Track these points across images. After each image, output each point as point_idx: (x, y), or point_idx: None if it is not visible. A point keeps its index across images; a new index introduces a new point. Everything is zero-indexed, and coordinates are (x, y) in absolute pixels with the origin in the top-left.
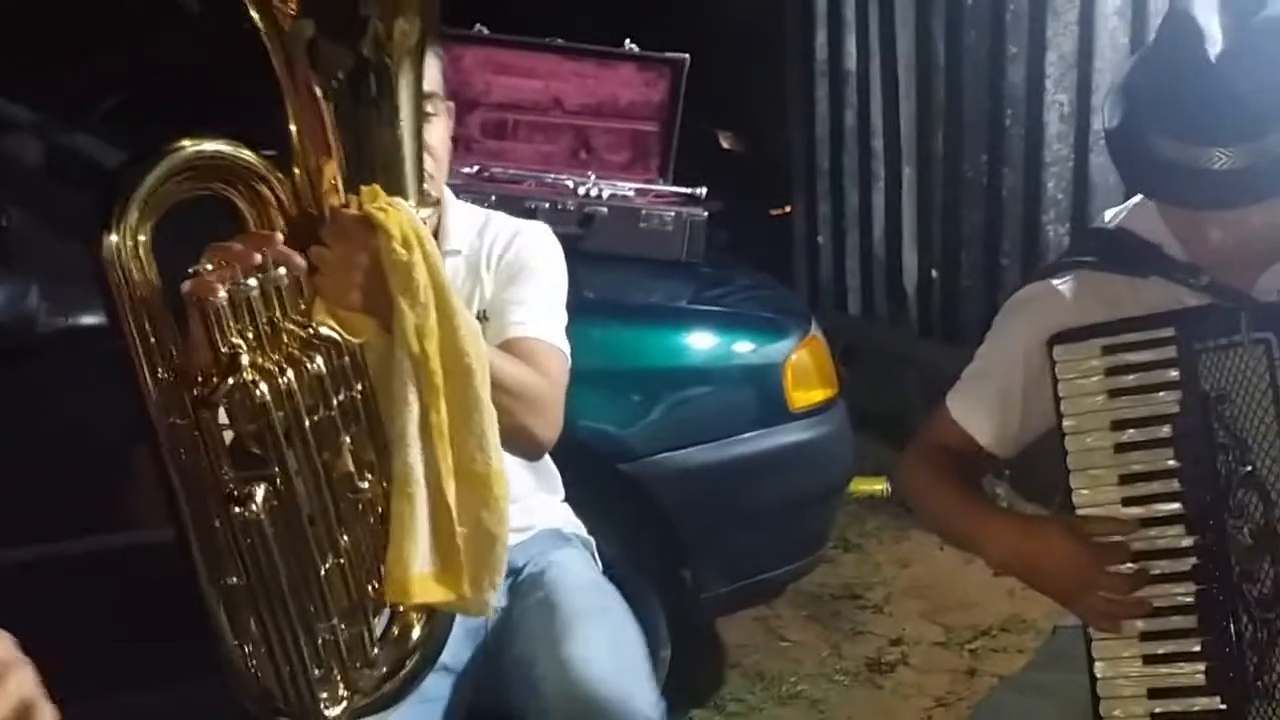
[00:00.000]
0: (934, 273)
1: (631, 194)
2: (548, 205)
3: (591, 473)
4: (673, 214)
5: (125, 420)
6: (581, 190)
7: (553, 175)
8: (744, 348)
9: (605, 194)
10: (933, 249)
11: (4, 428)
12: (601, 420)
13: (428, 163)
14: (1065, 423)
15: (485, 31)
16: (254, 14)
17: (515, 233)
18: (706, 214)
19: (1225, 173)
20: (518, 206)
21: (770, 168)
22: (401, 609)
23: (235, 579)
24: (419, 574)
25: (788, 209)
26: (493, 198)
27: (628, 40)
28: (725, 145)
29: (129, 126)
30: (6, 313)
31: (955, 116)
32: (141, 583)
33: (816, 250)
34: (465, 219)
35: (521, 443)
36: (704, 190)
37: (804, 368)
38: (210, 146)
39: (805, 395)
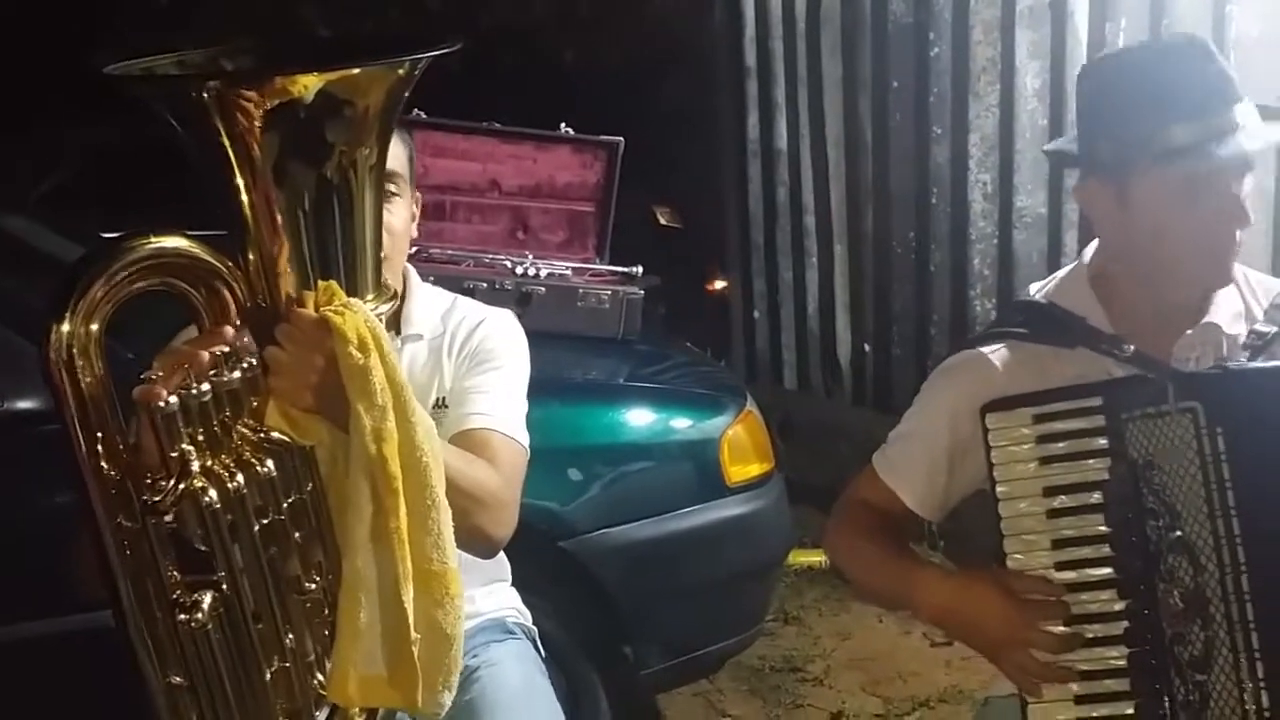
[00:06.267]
0: (867, 346)
1: (569, 273)
2: (486, 285)
3: (532, 550)
4: (609, 292)
5: (67, 504)
6: (519, 270)
7: (490, 255)
8: (681, 424)
9: (543, 273)
10: (865, 323)
11: None
12: (542, 497)
13: (385, 242)
14: (998, 489)
15: (423, 115)
16: (220, 127)
17: (480, 320)
18: (642, 292)
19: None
20: (456, 286)
21: (706, 243)
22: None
23: (179, 679)
24: (363, 677)
25: (724, 283)
26: (431, 278)
27: (563, 124)
28: (662, 221)
29: (66, 210)
30: None
31: (883, 195)
32: (86, 668)
33: (753, 324)
34: (429, 303)
35: (476, 542)
36: (640, 269)
37: (740, 443)
38: (170, 243)
39: (742, 470)
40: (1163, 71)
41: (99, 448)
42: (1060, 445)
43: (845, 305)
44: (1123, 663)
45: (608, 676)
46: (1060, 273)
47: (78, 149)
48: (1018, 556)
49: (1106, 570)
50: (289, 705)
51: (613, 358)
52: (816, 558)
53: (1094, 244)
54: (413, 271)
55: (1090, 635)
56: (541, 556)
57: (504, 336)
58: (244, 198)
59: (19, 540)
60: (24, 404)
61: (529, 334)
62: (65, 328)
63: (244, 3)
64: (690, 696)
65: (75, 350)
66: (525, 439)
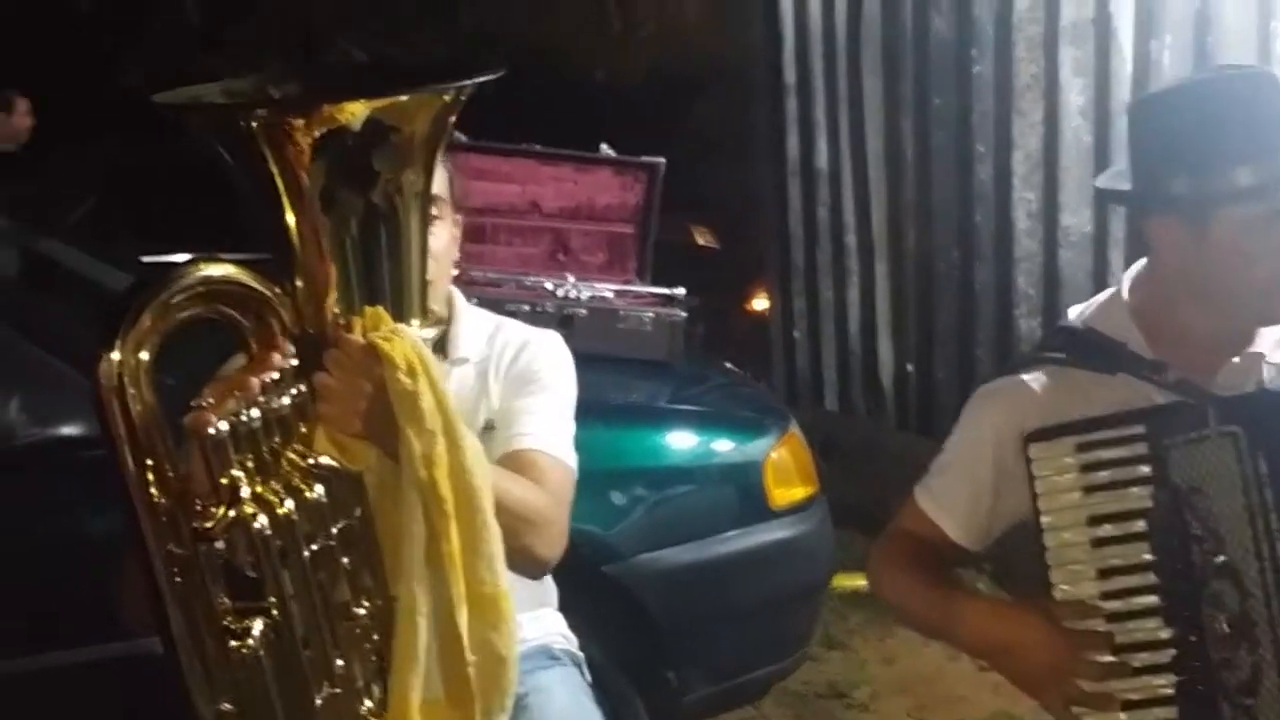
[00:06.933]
0: (909, 366)
1: (610, 295)
2: (527, 308)
3: (575, 574)
4: (651, 314)
5: (109, 530)
6: (560, 292)
7: (531, 278)
8: (724, 446)
9: (584, 295)
10: (908, 343)
11: None
12: (584, 521)
13: (430, 266)
14: (1043, 519)
15: (464, 139)
16: (268, 157)
17: (525, 342)
18: (685, 314)
19: None
20: (497, 309)
21: (745, 263)
22: None
23: (229, 706)
24: (422, 702)
25: (763, 304)
26: (474, 300)
27: (604, 145)
28: (700, 241)
29: (101, 233)
30: None
31: (926, 214)
32: (132, 696)
33: (793, 345)
34: (476, 326)
35: (525, 562)
36: (683, 290)
37: (784, 465)
38: (219, 272)
39: (786, 493)
40: (1238, 107)
41: (149, 475)
42: (1104, 474)
43: (888, 325)
44: (1170, 691)
45: (651, 701)
46: (1099, 298)
47: (112, 172)
48: (1063, 587)
49: (1152, 598)
50: None
51: (654, 380)
52: (860, 581)
53: (1133, 271)
54: (458, 294)
55: (1137, 664)
56: (584, 580)
57: (550, 358)
58: (291, 225)
59: (62, 565)
60: (66, 430)
61: (571, 358)
62: (115, 356)
63: (275, 24)
64: None
65: (126, 379)
66: (573, 459)
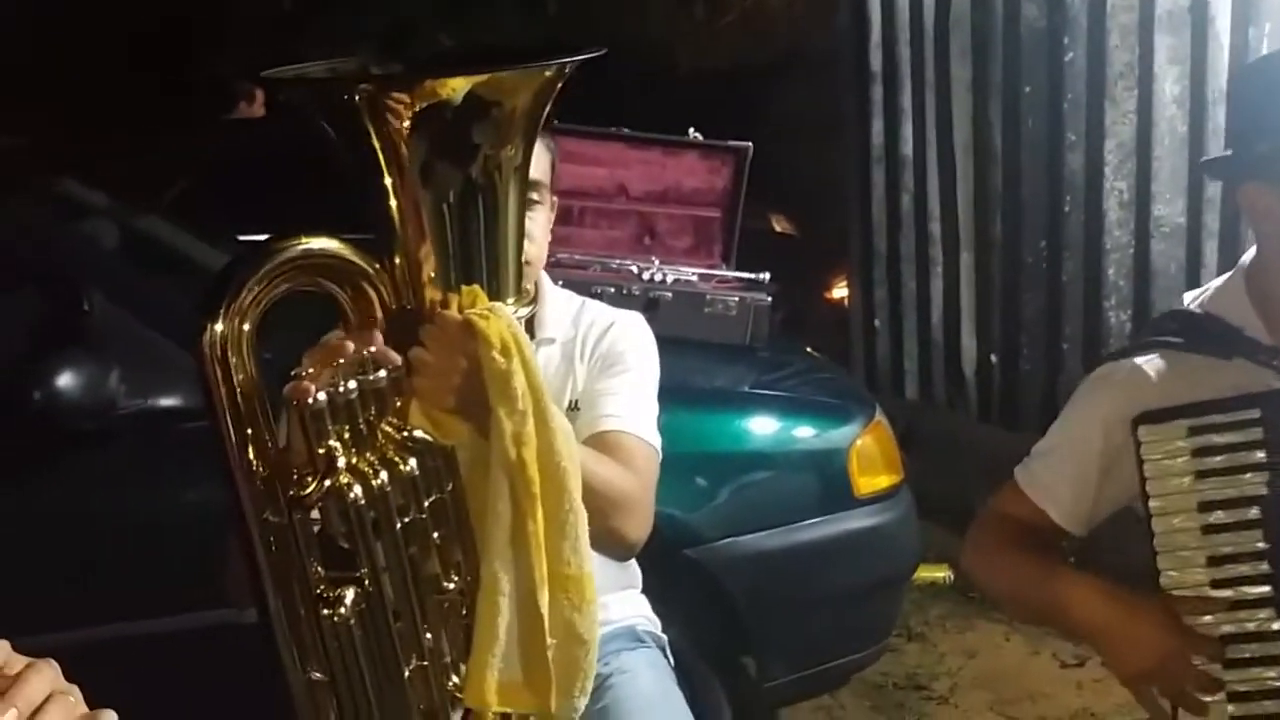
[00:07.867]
0: (993, 357)
1: (695, 279)
2: (613, 290)
3: (656, 557)
4: (736, 299)
5: (205, 499)
6: (646, 275)
7: (617, 260)
8: (808, 433)
9: (669, 279)
10: (992, 334)
11: (85, 508)
12: (666, 504)
13: (527, 248)
14: (1152, 503)
15: (555, 122)
16: (371, 131)
17: (611, 323)
18: (770, 299)
19: None
20: (583, 292)
21: (825, 250)
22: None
23: (319, 674)
24: (500, 681)
25: (843, 291)
26: (560, 283)
27: (692, 129)
28: (778, 228)
29: (197, 212)
30: (88, 395)
31: (1013, 202)
32: (224, 663)
33: (873, 334)
34: (561, 306)
35: (612, 544)
36: (767, 275)
37: (869, 453)
38: (319, 245)
39: (871, 481)
40: None
41: (249, 445)
42: (1217, 459)
43: (971, 315)
44: None
45: (730, 687)
46: (1216, 281)
47: (204, 155)
48: (1171, 573)
49: (1265, 588)
50: (426, 705)
51: (738, 364)
52: (940, 573)
53: (1251, 252)
54: (544, 275)
55: (1247, 655)
56: (665, 563)
57: (634, 339)
58: (392, 200)
59: (158, 534)
60: (163, 401)
61: (655, 340)
62: (218, 327)
63: (366, 12)
64: (813, 711)
65: (228, 349)
66: (657, 440)
